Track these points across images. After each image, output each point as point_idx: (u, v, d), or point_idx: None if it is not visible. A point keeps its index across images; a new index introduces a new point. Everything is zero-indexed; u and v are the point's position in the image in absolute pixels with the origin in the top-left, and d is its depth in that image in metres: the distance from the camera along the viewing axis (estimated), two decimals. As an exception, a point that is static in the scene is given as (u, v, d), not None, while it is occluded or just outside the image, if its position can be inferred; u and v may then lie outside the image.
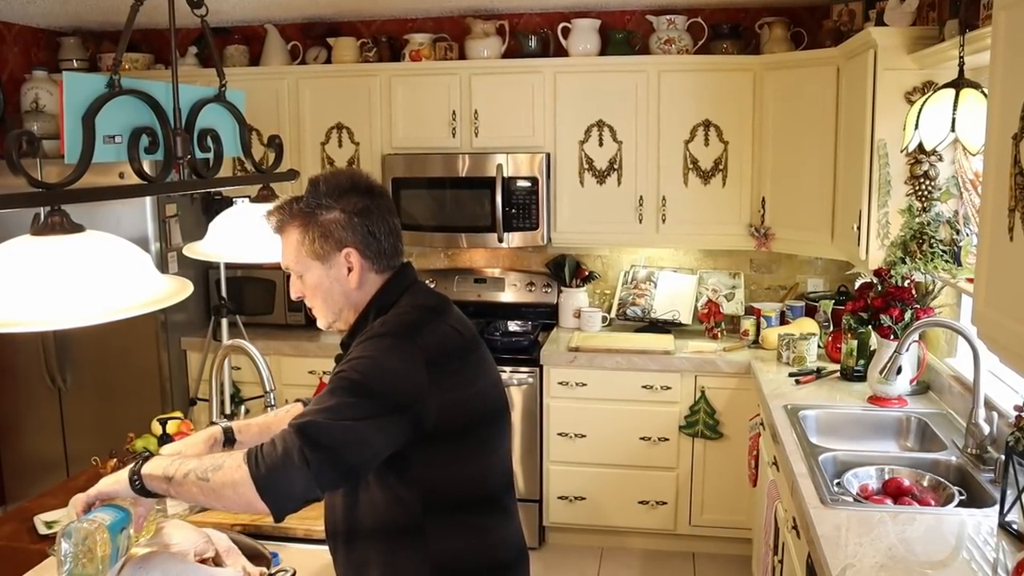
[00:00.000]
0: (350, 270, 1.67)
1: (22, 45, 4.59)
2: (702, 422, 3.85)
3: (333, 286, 1.69)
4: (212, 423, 2.01)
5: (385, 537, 1.64)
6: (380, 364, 1.55)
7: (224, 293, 3.94)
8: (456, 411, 1.61)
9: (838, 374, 3.47)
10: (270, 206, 1.74)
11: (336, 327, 1.75)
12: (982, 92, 2.52)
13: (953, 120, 2.53)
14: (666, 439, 3.92)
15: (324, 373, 4.06)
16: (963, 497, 2.31)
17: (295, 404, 1.99)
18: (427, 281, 4.50)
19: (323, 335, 4.24)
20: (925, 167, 3.10)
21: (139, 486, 1.55)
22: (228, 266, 4.05)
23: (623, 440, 3.94)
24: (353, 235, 1.65)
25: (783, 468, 2.67)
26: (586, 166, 4.13)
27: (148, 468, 1.56)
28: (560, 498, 4.05)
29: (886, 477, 2.46)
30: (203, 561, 1.79)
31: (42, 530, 2.17)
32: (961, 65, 2.58)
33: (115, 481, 1.59)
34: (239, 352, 2.36)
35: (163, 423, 2.32)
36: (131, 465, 1.60)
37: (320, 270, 1.68)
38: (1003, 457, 2.16)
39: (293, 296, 1.75)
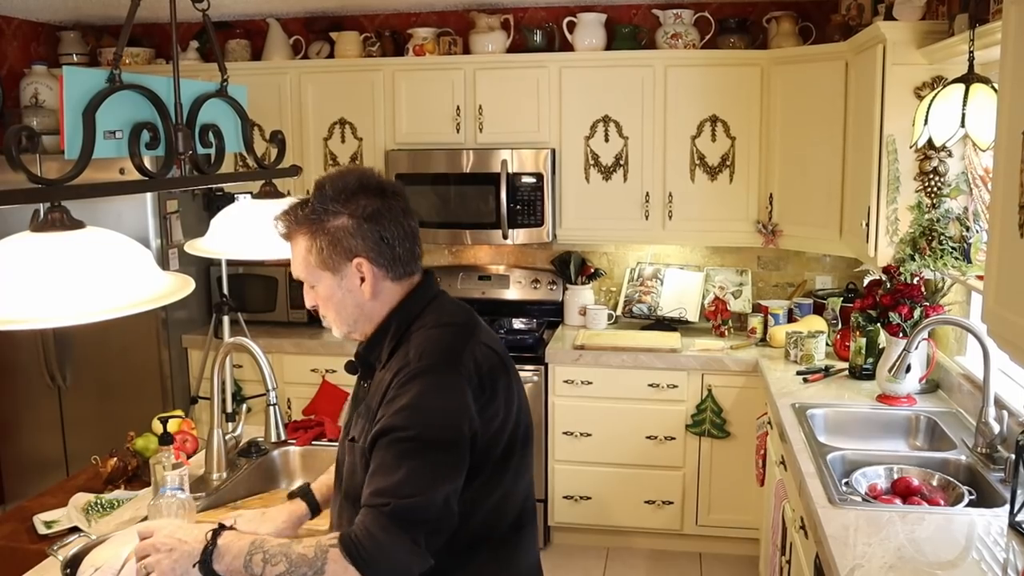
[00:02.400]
0: (363, 280, 1.57)
1: (21, 39, 4.58)
2: (709, 421, 3.83)
3: (346, 297, 1.59)
4: (290, 496, 1.91)
5: None
6: (433, 408, 1.47)
7: (226, 290, 3.92)
8: (495, 440, 1.54)
9: (846, 372, 3.45)
10: (276, 206, 1.66)
11: (353, 337, 1.67)
12: (992, 87, 2.50)
13: (963, 115, 2.52)
14: (672, 438, 3.90)
15: (327, 371, 4.04)
16: (973, 497, 2.29)
17: None
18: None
19: (325, 333, 4.18)
20: (935, 163, 3.08)
21: (209, 569, 1.47)
22: (230, 263, 4.04)
23: (629, 439, 3.93)
24: (363, 242, 1.55)
25: (791, 467, 2.66)
26: (592, 162, 4.11)
27: (225, 559, 1.47)
28: (565, 498, 4.04)
29: (895, 476, 2.45)
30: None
31: (41, 530, 2.15)
32: (971, 60, 2.56)
33: (180, 541, 1.50)
34: (241, 350, 2.35)
35: (164, 422, 2.31)
36: (203, 538, 1.50)
37: (331, 281, 1.58)
38: (1013, 456, 2.15)
39: (308, 306, 1.65)
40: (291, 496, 1.89)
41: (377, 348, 1.62)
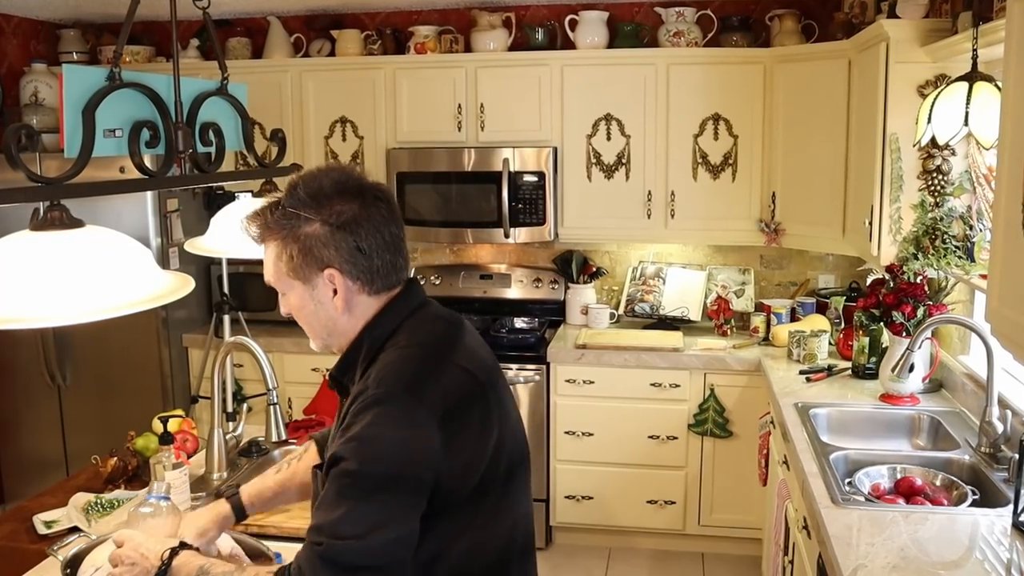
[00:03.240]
0: (335, 292, 1.44)
1: (21, 37, 4.57)
2: (711, 420, 3.82)
3: (318, 310, 1.47)
4: (218, 494, 1.86)
5: None
6: (383, 442, 1.33)
7: (226, 289, 3.92)
8: (465, 475, 1.39)
9: (849, 372, 3.43)
10: (254, 207, 1.54)
11: (330, 351, 1.56)
12: (996, 85, 2.49)
13: (966, 114, 2.51)
14: (675, 438, 3.89)
15: (327, 370, 4.01)
16: (976, 497, 2.29)
17: (308, 446, 1.85)
18: (432, 278, 4.47)
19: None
20: (938, 161, 3.07)
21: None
22: (230, 262, 4.03)
23: (631, 439, 3.92)
24: (336, 252, 1.41)
25: (794, 467, 2.65)
26: (594, 160, 4.10)
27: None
28: (567, 497, 4.03)
29: (898, 476, 2.44)
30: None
31: (41, 530, 2.15)
32: (975, 58, 2.55)
33: (142, 556, 1.52)
34: (241, 349, 2.34)
35: (164, 421, 2.30)
36: (161, 556, 1.52)
37: (302, 290, 1.46)
38: (1017, 456, 2.15)
39: (283, 313, 1.54)
40: (218, 495, 1.84)
41: (351, 368, 1.51)
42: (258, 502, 1.80)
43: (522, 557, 1.54)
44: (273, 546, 1.94)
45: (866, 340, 3.35)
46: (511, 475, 1.49)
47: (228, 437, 2.52)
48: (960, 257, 3.01)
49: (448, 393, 1.39)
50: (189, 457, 2.47)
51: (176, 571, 1.48)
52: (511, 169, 4.06)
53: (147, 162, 1.69)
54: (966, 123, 2.51)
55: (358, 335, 1.49)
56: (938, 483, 2.40)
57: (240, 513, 1.79)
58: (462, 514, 1.41)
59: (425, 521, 1.37)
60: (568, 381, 3.94)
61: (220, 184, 3.97)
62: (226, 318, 3.77)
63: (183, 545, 1.55)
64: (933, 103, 2.63)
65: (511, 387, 1.90)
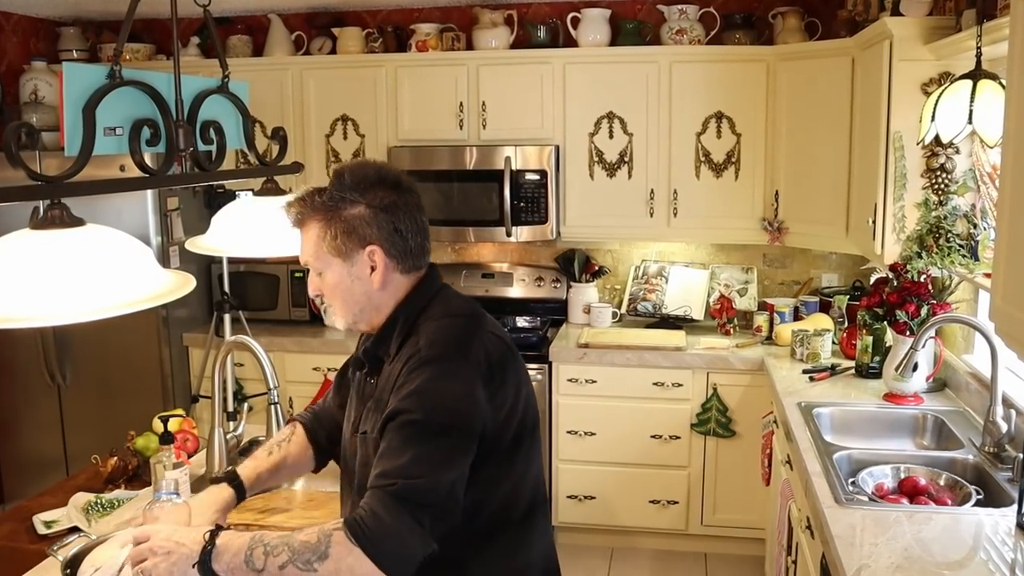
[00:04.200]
0: (373, 269, 1.59)
1: (21, 35, 4.56)
2: (714, 420, 3.82)
3: (354, 285, 1.61)
4: (213, 479, 1.87)
5: (422, 571, 1.48)
6: (442, 395, 1.49)
7: (227, 288, 3.91)
8: (506, 426, 1.56)
9: (853, 371, 3.43)
10: (282, 199, 1.68)
11: (357, 328, 1.67)
12: (1000, 83, 2.49)
13: (970, 112, 2.51)
14: (677, 437, 3.88)
15: (328, 370, 4.03)
16: (980, 496, 2.28)
17: (293, 427, 1.91)
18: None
19: (328, 331, 4.21)
20: (942, 160, 3.06)
21: (207, 570, 1.45)
22: (231, 261, 4.03)
23: (634, 438, 3.91)
24: (378, 232, 1.58)
25: (797, 467, 2.65)
26: (596, 159, 4.09)
27: (224, 558, 1.45)
28: (569, 497, 4.02)
29: (902, 476, 2.43)
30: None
31: (41, 530, 2.14)
32: (978, 56, 2.54)
33: (177, 544, 1.48)
34: (242, 348, 2.34)
35: (164, 421, 2.29)
36: (201, 539, 1.48)
37: (341, 268, 1.60)
38: (1021, 456, 2.15)
39: (310, 293, 1.67)
40: (214, 481, 1.85)
41: (386, 342, 1.63)
42: (256, 485, 1.85)
43: (544, 505, 1.74)
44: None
45: (869, 339, 3.35)
46: (535, 426, 1.69)
47: (229, 437, 2.51)
48: (964, 256, 3.00)
49: (489, 353, 1.56)
50: (190, 457, 2.47)
51: (223, 548, 1.46)
52: (513, 167, 4.05)
53: (148, 160, 1.68)
54: (970, 121, 2.52)
55: (392, 312, 1.63)
56: (942, 483, 2.40)
57: (241, 493, 1.82)
58: (502, 463, 1.57)
59: (478, 469, 1.51)
60: (570, 380, 3.93)
61: (221, 183, 3.96)
62: (227, 317, 3.76)
63: (219, 528, 1.54)
64: (937, 101, 2.63)
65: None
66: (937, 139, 2.67)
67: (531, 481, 1.68)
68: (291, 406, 4.08)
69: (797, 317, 4.01)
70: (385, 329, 1.63)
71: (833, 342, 3.71)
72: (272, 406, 2.31)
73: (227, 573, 1.45)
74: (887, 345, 3.27)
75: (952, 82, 2.63)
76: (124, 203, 3.93)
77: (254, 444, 2.58)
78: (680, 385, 3.84)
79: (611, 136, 4.06)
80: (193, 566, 1.46)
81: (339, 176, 1.60)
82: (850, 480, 2.39)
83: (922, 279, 3.07)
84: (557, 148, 4.09)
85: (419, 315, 1.61)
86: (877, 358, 3.32)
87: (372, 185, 1.59)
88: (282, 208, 1.65)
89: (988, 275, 2.68)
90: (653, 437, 3.90)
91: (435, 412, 1.47)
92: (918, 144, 2.94)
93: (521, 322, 4.31)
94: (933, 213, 3.08)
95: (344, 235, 1.57)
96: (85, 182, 1.46)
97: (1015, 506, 2.11)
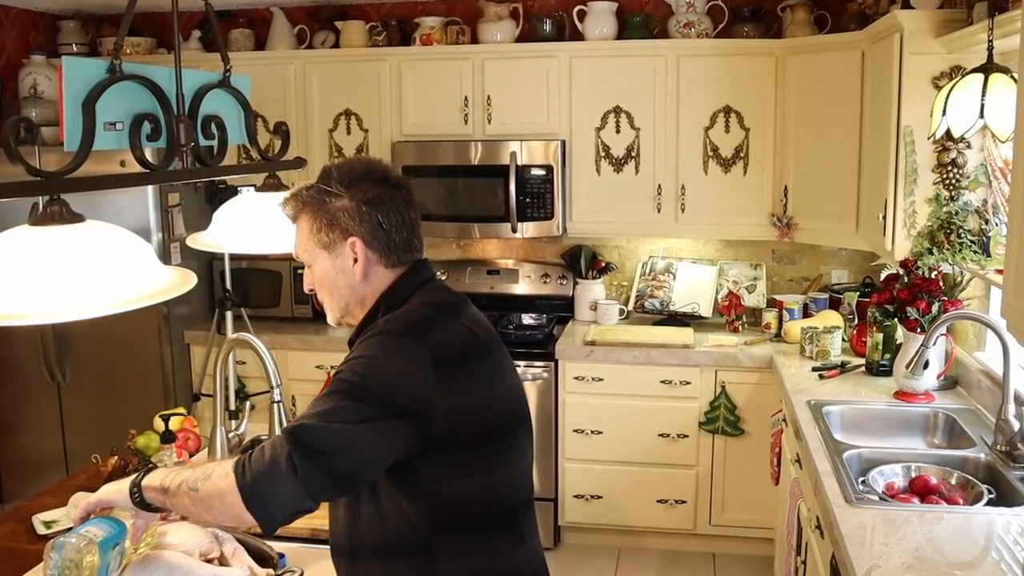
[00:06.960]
0: (355, 260, 1.61)
1: (20, 29, 4.54)
2: (722, 418, 3.79)
3: (339, 278, 1.63)
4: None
5: (389, 556, 1.56)
6: (382, 364, 1.49)
7: (228, 285, 3.90)
8: (468, 417, 1.54)
9: (863, 368, 3.40)
10: (281, 196, 1.71)
11: (345, 322, 1.69)
12: (1012, 77, 2.47)
13: (982, 106, 2.49)
14: (685, 436, 3.86)
15: (332, 368, 4.01)
16: (992, 496, 2.27)
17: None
18: (439, 273, 4.45)
19: (330, 329, 4.15)
20: (953, 155, 3.05)
21: (138, 498, 1.53)
22: (233, 257, 4.02)
23: (641, 437, 3.89)
24: (360, 224, 1.60)
25: (806, 466, 2.63)
26: (603, 154, 4.07)
27: (148, 480, 1.53)
28: (576, 497, 4.00)
29: (913, 475, 2.42)
30: (208, 561, 1.78)
31: (40, 530, 2.14)
32: (990, 49, 2.52)
33: (117, 490, 1.57)
34: (244, 346, 2.32)
35: (165, 419, 2.28)
36: (133, 476, 1.56)
37: (326, 260, 1.63)
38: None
39: (305, 288, 1.70)
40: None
41: (363, 333, 1.65)
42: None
43: (526, 508, 1.69)
44: (276, 546, 1.93)
45: (880, 336, 3.33)
46: (514, 428, 1.65)
47: (231, 435, 2.50)
48: (975, 252, 2.98)
49: (450, 339, 1.56)
50: (191, 456, 2.46)
51: (148, 486, 1.54)
52: (518, 162, 4.03)
53: (148, 156, 1.68)
54: (981, 115, 2.50)
55: (375, 303, 1.64)
56: (953, 482, 2.39)
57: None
58: (470, 453, 1.55)
59: (437, 457, 1.50)
60: (577, 378, 3.91)
61: (222, 178, 3.95)
62: (228, 314, 3.75)
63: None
64: (948, 95, 2.62)
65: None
66: (948, 134, 2.65)
67: (513, 483, 1.65)
68: (293, 404, 4.07)
69: (806, 314, 3.99)
70: (367, 319, 1.66)
71: (843, 339, 3.69)
72: (275, 404, 2.29)
73: (147, 489, 1.54)
74: (898, 342, 3.25)
75: (963, 76, 2.61)
76: (124, 199, 3.91)
77: (256, 443, 2.56)
78: (688, 383, 3.82)
79: (618, 131, 4.04)
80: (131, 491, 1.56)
81: (327, 171, 1.64)
82: (860, 479, 2.38)
83: (933, 275, 3.05)
84: (563, 143, 4.07)
85: (400, 305, 1.63)
86: (887, 355, 3.31)
87: (358, 179, 1.61)
88: (279, 205, 1.69)
89: (1000, 271, 2.67)
90: (661, 436, 3.88)
91: (366, 379, 1.47)
92: (929, 139, 2.91)
93: (527, 319, 4.30)
94: (944, 208, 3.06)
95: (327, 227, 1.60)
96: (85, 178, 1.46)
97: (1028, 506, 2.10)
